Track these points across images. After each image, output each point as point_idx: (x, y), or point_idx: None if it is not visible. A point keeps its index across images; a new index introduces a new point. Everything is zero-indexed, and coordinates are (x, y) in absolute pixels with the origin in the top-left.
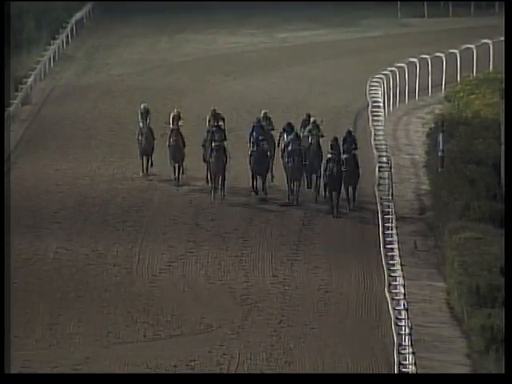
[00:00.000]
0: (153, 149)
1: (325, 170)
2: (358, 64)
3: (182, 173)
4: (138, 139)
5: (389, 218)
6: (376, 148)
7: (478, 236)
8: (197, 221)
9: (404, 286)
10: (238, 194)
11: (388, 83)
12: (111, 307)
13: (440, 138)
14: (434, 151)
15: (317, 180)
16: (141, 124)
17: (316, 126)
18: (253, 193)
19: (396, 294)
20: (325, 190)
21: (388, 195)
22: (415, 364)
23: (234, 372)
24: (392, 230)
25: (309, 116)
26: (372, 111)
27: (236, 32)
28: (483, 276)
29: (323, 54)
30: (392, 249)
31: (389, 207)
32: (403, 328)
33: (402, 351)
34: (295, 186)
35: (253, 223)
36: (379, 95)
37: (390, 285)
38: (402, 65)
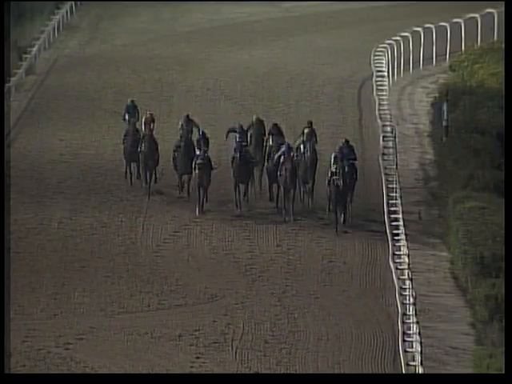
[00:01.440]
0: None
1: (328, 184)
2: (362, 34)
3: (155, 181)
4: (123, 142)
5: (393, 188)
6: (380, 118)
7: (482, 205)
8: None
9: (408, 255)
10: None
11: (392, 53)
12: (115, 277)
13: (444, 107)
14: (438, 121)
15: (310, 192)
16: (127, 123)
17: (313, 131)
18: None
19: (400, 263)
20: (329, 204)
21: (392, 165)
22: (419, 334)
23: (238, 341)
24: (396, 199)
25: (311, 124)
26: (376, 81)
27: (240, 2)
28: (487, 245)
29: (327, 23)
30: (396, 218)
31: (393, 177)
32: (407, 298)
33: (407, 321)
34: (287, 200)
35: (259, 198)
36: (383, 65)
37: (394, 254)
38: (407, 34)
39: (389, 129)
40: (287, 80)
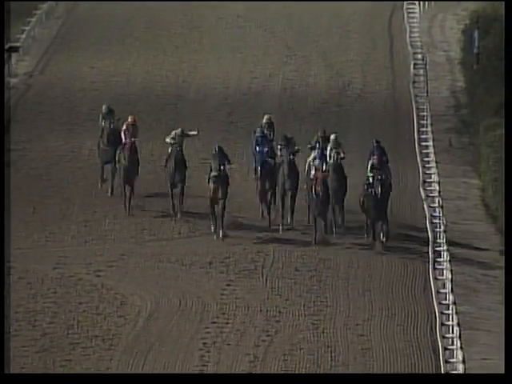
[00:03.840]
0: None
1: (365, 196)
2: None
3: (133, 198)
4: (98, 145)
5: (424, 116)
6: (411, 45)
7: None
8: (231, 118)
9: (439, 183)
10: None
11: None
12: (146, 205)
13: (475, 34)
14: (469, 48)
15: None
16: (103, 126)
17: (338, 145)
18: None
19: (431, 191)
20: (367, 221)
21: (423, 92)
22: (450, 261)
23: (268, 268)
24: (427, 127)
25: (324, 132)
26: (407, 8)
27: None
28: None
29: None
30: (427, 146)
31: (424, 104)
32: (438, 225)
33: (437, 248)
34: (318, 223)
35: (287, 120)
36: None
37: (424, 182)
38: None
39: (420, 56)
40: (318, 8)
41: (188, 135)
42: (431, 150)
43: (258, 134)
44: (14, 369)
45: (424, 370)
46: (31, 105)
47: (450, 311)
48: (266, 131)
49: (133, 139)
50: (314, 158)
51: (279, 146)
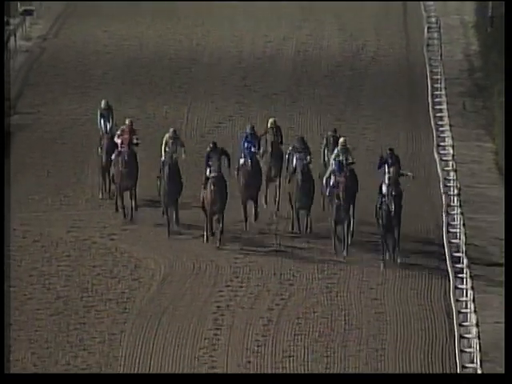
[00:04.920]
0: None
1: (379, 208)
2: None
3: (135, 208)
4: (97, 151)
5: (438, 79)
6: (425, 9)
7: None
8: (245, 82)
9: (453, 146)
10: None
11: None
12: (160, 168)
13: None
14: (483, 11)
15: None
16: (102, 127)
17: (346, 149)
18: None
19: (445, 154)
20: (382, 238)
21: (437, 56)
22: (464, 225)
23: (282, 232)
24: (441, 90)
25: (335, 131)
26: None
27: None
28: None
29: None
30: (441, 109)
31: (437, 68)
32: (452, 189)
33: (451, 212)
34: (345, 230)
35: (301, 84)
36: None
37: (438, 146)
38: None
39: (433, 20)
40: None
41: (180, 141)
42: (445, 113)
43: (248, 131)
44: (28, 331)
45: (438, 334)
46: (45, 68)
47: (464, 274)
48: (271, 133)
49: (135, 138)
50: (333, 168)
51: (290, 150)
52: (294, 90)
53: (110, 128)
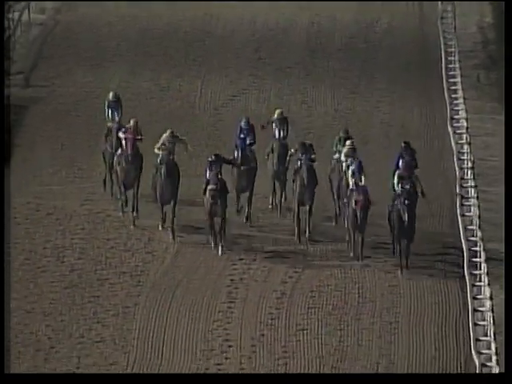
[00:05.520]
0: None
1: (390, 212)
2: None
3: (136, 210)
4: (105, 149)
5: (451, 52)
6: None
7: None
8: (259, 54)
9: (466, 119)
10: None
11: None
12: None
13: None
14: None
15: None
16: (110, 125)
17: (354, 150)
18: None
19: (458, 127)
20: (393, 242)
21: (451, 28)
22: (477, 198)
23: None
24: (455, 63)
25: (347, 132)
26: None
27: None
28: None
29: None
30: (455, 82)
31: (451, 40)
32: (466, 162)
33: (464, 185)
34: (357, 238)
35: (315, 57)
36: None
37: (452, 118)
38: None
39: None
40: None
41: (180, 140)
42: (459, 86)
43: (243, 125)
44: (42, 304)
45: (451, 307)
46: (59, 40)
47: (478, 248)
48: (276, 126)
49: (139, 137)
50: (351, 169)
51: (293, 151)
52: (308, 62)
53: (118, 120)
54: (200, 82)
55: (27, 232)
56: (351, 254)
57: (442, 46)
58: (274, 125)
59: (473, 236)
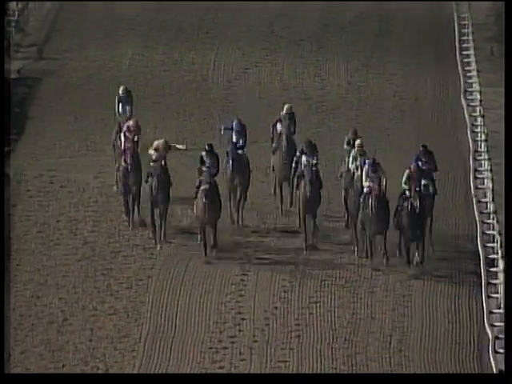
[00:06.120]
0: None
1: (400, 212)
2: None
3: (138, 213)
4: (113, 143)
5: (465, 24)
6: None
7: None
8: (272, 28)
9: (480, 92)
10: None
11: None
12: (187, 114)
13: None
14: None
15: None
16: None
17: (364, 152)
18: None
19: (472, 100)
20: (399, 243)
21: (464, 0)
22: (491, 170)
23: None
24: (468, 35)
25: (355, 133)
26: None
27: None
28: None
29: None
30: (468, 55)
31: (465, 13)
32: (479, 135)
33: (478, 157)
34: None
35: (328, 30)
36: None
37: (465, 91)
38: None
39: None
40: None
41: (176, 148)
42: (472, 59)
43: (234, 126)
44: (56, 276)
45: (464, 279)
46: (71, 14)
47: (491, 220)
48: (285, 122)
49: (136, 137)
50: (364, 170)
51: (298, 154)
52: (321, 35)
53: (129, 116)
54: (213, 55)
55: (40, 205)
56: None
57: (456, 19)
58: (282, 120)
59: (485, 209)
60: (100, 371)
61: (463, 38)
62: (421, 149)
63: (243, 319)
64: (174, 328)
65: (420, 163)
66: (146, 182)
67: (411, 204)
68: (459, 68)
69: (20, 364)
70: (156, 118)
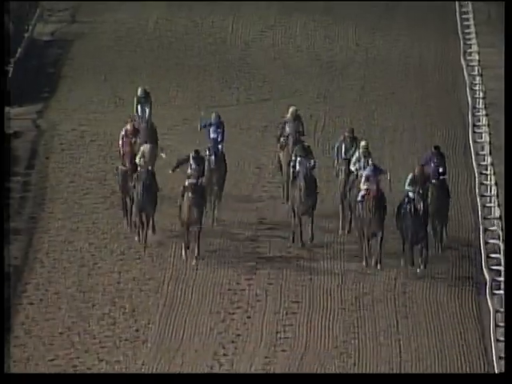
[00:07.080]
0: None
1: (401, 213)
2: None
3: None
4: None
5: None
6: None
7: None
8: None
9: (478, 53)
10: None
11: None
12: (207, 74)
13: None
14: None
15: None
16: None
17: (369, 153)
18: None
19: (471, 60)
20: (403, 243)
21: None
22: (488, 125)
23: (320, 132)
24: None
25: (352, 131)
26: None
27: None
28: None
29: None
30: (467, 18)
31: None
32: (478, 92)
33: (477, 113)
34: (370, 241)
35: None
36: None
37: (465, 52)
38: None
39: None
40: None
41: (161, 156)
42: (471, 22)
43: (213, 121)
44: (86, 223)
45: (463, 226)
46: None
47: (488, 172)
48: (291, 124)
49: (133, 140)
50: (365, 174)
51: (293, 158)
52: (329, 14)
53: (148, 118)
54: (231, 19)
55: (72, 157)
56: (364, 263)
57: None
58: (287, 124)
59: (483, 161)
60: (127, 311)
61: (463, 1)
62: (433, 150)
63: (260, 258)
64: (195, 272)
65: (432, 165)
66: (134, 186)
67: (414, 207)
68: (459, 30)
69: (52, 304)
70: (178, 77)
